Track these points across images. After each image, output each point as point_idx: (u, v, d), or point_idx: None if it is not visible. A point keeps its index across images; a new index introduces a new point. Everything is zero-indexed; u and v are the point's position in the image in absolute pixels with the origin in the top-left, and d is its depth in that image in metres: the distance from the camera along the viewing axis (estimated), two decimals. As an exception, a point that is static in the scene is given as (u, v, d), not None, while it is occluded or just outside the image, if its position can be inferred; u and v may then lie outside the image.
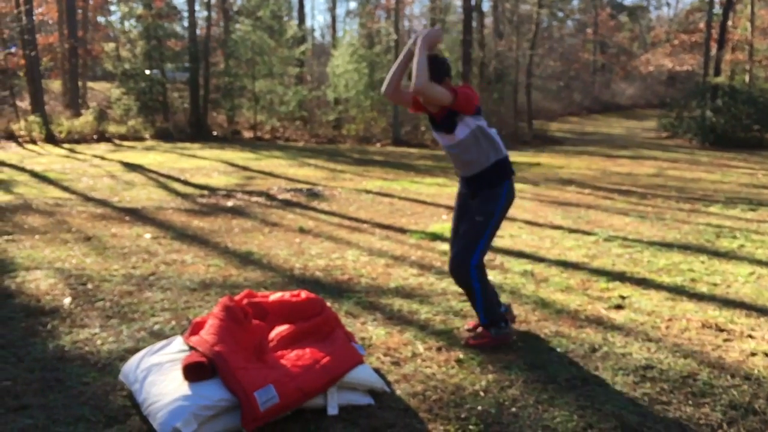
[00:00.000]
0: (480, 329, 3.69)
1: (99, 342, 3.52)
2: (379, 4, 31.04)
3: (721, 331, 3.88)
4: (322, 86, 24.45)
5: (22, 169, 11.41)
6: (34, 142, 17.04)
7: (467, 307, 4.24)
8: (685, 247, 6.10)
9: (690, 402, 2.97)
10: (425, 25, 32.69)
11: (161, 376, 2.76)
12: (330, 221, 7.30)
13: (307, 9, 44.74)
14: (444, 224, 7.08)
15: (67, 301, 4.20)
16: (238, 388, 2.63)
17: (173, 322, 3.85)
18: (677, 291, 4.71)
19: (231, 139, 20.02)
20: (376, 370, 3.20)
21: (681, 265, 5.45)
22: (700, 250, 6.02)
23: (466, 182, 3.70)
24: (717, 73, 22.22)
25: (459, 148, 3.55)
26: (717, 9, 23.49)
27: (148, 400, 2.68)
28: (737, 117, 20.27)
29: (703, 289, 4.78)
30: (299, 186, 10.01)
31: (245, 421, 2.59)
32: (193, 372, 2.69)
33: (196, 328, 3.07)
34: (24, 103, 20.69)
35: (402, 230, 6.80)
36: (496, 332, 3.60)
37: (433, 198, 9.01)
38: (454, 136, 3.52)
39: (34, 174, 10.83)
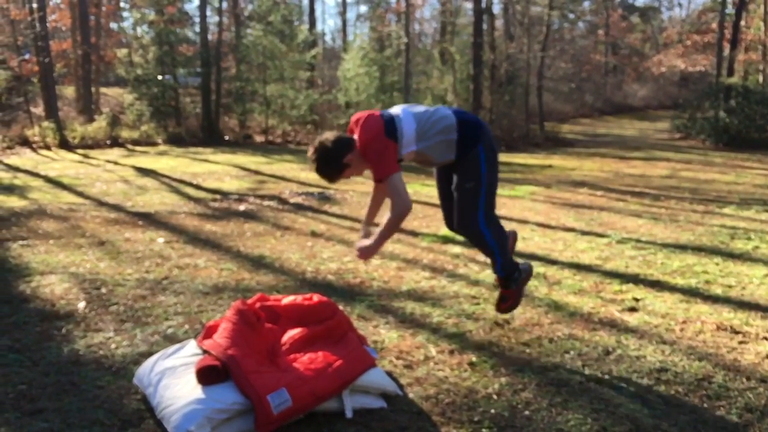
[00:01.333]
0: (500, 291, 3.69)
1: (113, 346, 3.55)
2: (389, 8, 31.11)
3: (737, 333, 3.85)
4: (333, 90, 24.50)
5: (37, 175, 11.51)
6: (48, 147, 17.19)
7: (480, 309, 4.23)
8: (699, 249, 6.05)
9: (705, 405, 2.95)
10: (436, 29, 32.72)
11: (175, 380, 2.78)
12: (342, 224, 7.31)
13: (318, 13, 44.90)
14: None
15: (81, 305, 4.24)
16: (251, 391, 2.63)
17: (186, 326, 3.87)
18: (691, 293, 4.67)
19: (243, 143, 20.11)
20: (389, 374, 3.20)
21: (695, 267, 5.41)
22: (714, 251, 5.98)
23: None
24: (730, 73, 22.04)
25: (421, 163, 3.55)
26: (730, 9, 23.32)
27: (162, 403, 2.69)
28: (751, 117, 20.09)
29: (717, 291, 4.74)
30: (311, 190, 10.03)
31: (259, 425, 2.59)
32: (206, 375, 2.70)
33: (210, 332, 3.09)
34: (38, 110, 20.87)
35: (413, 233, 6.80)
36: (516, 285, 3.60)
37: (444, 201, 8.99)
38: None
39: (48, 179, 10.92)
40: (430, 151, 3.40)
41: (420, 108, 3.45)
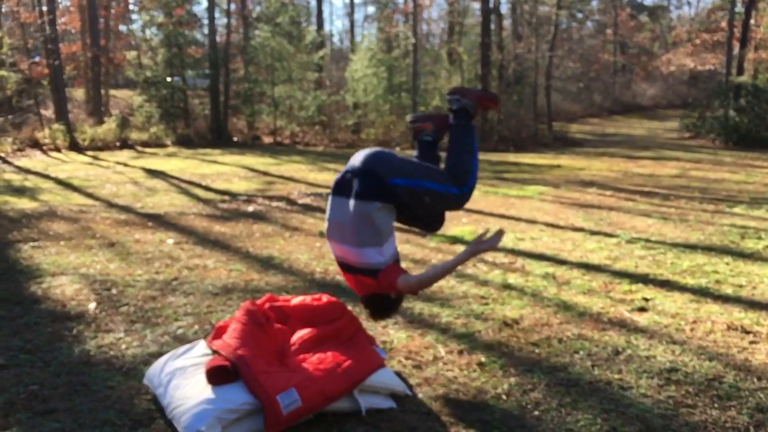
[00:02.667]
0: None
1: (123, 346, 3.56)
2: (397, 9, 31.07)
3: (747, 333, 3.83)
4: (340, 91, 24.53)
5: (47, 177, 11.58)
6: (58, 149, 17.29)
7: (488, 310, 4.23)
8: (709, 249, 6.02)
9: (716, 405, 2.93)
10: (443, 29, 32.71)
11: (185, 380, 2.79)
12: (350, 225, 7.31)
13: (326, 14, 44.93)
14: (464, 227, 7.07)
15: (92, 306, 4.26)
16: (260, 391, 2.64)
17: (196, 327, 3.89)
18: (702, 293, 4.65)
19: (251, 144, 20.16)
20: (398, 374, 3.20)
21: (705, 266, 5.38)
22: (724, 251, 5.95)
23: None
24: (740, 72, 21.91)
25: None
26: (739, 7, 23.18)
27: (172, 403, 2.70)
28: (761, 116, 19.96)
29: (728, 290, 4.72)
30: (319, 190, 10.04)
31: (268, 425, 2.60)
32: (216, 375, 2.71)
33: (219, 332, 3.10)
34: (48, 112, 21.01)
35: (422, 233, 6.79)
36: None
37: (453, 201, 8.99)
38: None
39: (58, 181, 10.98)
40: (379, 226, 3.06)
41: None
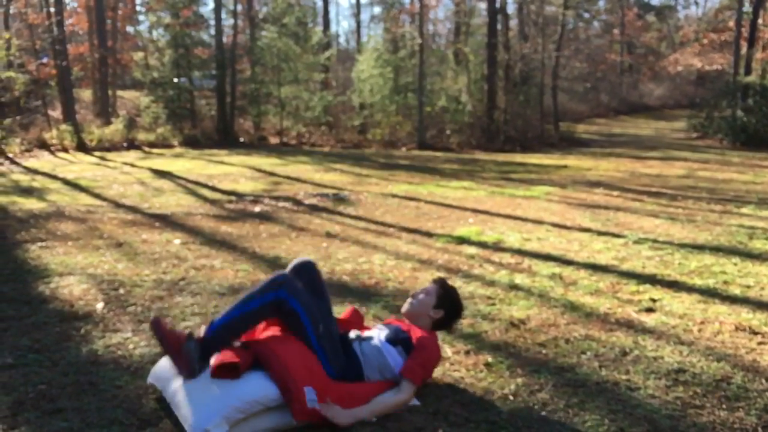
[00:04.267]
0: None
1: (131, 346, 3.58)
2: (403, 9, 31.11)
3: (755, 334, 3.81)
4: (347, 91, 24.54)
5: (55, 177, 11.64)
6: (65, 150, 17.36)
7: (495, 310, 4.23)
8: (717, 249, 6.00)
9: (724, 406, 2.92)
10: (450, 29, 32.68)
11: (192, 379, 2.80)
12: (356, 225, 7.32)
13: (332, 15, 44.91)
14: (470, 227, 7.06)
15: (99, 306, 4.28)
16: (289, 378, 2.66)
17: (203, 326, 3.89)
18: (709, 293, 4.63)
19: (257, 145, 20.19)
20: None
21: (713, 267, 5.36)
22: (732, 251, 5.92)
23: None
24: (747, 72, 21.80)
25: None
26: (747, 7, 23.07)
27: (180, 403, 2.71)
28: (769, 116, 19.89)
29: (736, 291, 4.70)
30: (325, 191, 10.05)
31: (296, 412, 2.62)
32: (223, 372, 2.72)
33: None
34: (56, 113, 21.11)
35: (428, 234, 6.80)
36: None
37: (459, 201, 9.00)
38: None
39: (66, 182, 11.04)
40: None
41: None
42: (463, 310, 3.41)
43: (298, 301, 2.95)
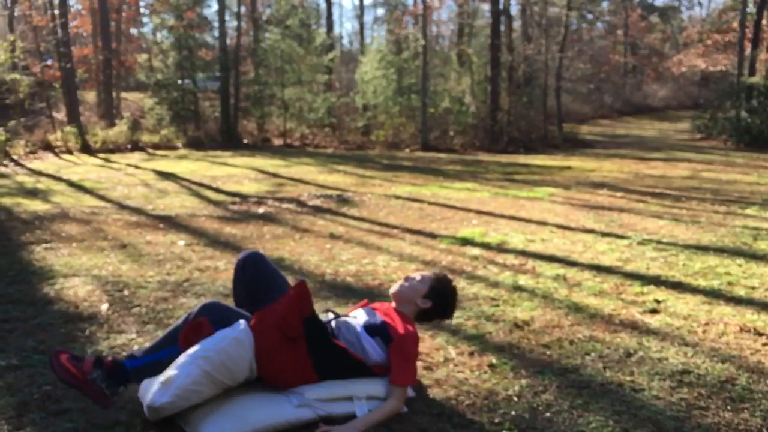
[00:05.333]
0: None
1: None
2: (406, 11, 31.10)
3: (760, 335, 3.81)
4: (350, 93, 24.56)
5: (59, 179, 11.67)
6: (70, 152, 17.41)
7: (499, 311, 4.22)
8: (721, 250, 5.99)
9: (728, 407, 2.92)
10: (453, 31, 32.66)
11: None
12: (360, 227, 7.32)
13: (335, 16, 45.06)
14: (474, 229, 7.06)
15: (104, 307, 4.29)
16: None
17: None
18: (714, 295, 4.63)
19: (261, 146, 20.22)
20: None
21: (717, 268, 5.35)
22: (737, 252, 5.91)
23: None
24: (752, 72, 21.77)
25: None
26: (751, 8, 23.04)
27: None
28: (773, 117, 19.84)
29: (740, 292, 4.69)
30: (329, 192, 10.06)
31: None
32: (189, 335, 2.74)
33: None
34: (60, 114, 21.16)
35: (432, 235, 6.80)
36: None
37: (462, 203, 8.99)
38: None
39: (70, 183, 11.06)
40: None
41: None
42: (453, 310, 3.30)
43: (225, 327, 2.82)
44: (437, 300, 3.20)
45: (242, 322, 2.79)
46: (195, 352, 2.67)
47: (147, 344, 2.85)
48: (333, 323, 3.09)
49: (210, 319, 2.83)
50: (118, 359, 2.80)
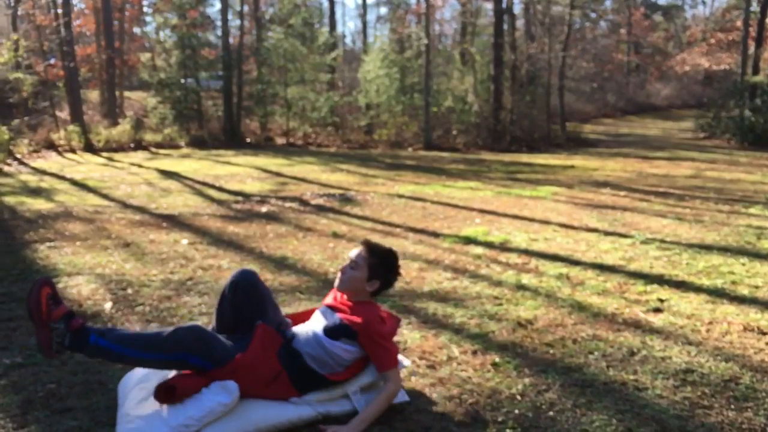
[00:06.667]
0: None
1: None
2: (409, 9, 31.14)
3: (764, 334, 3.80)
4: (353, 92, 24.56)
5: (63, 178, 11.69)
6: (73, 151, 17.45)
7: (502, 310, 4.22)
8: (724, 249, 5.98)
9: (732, 406, 2.91)
10: (456, 29, 32.65)
11: (139, 393, 2.80)
12: (363, 226, 7.33)
13: (338, 15, 45.08)
14: (477, 228, 7.06)
15: (108, 305, 4.30)
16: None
17: (211, 326, 3.90)
18: (717, 294, 4.62)
19: (264, 145, 20.23)
20: (412, 374, 3.20)
21: (721, 267, 5.34)
22: (740, 251, 5.90)
23: None
24: (755, 71, 21.72)
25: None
26: (754, 6, 22.99)
27: (124, 413, 2.69)
28: (777, 116, 19.81)
29: (744, 291, 4.68)
30: (332, 191, 10.07)
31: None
32: (161, 394, 2.66)
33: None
34: (63, 113, 21.20)
35: (435, 234, 6.80)
36: None
37: (465, 202, 8.99)
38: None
39: (74, 182, 11.08)
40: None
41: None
42: (399, 270, 3.11)
43: (200, 357, 2.76)
44: (382, 276, 3.04)
45: (233, 387, 2.69)
46: (177, 422, 2.58)
47: (121, 329, 2.74)
48: (293, 333, 3.03)
49: (190, 347, 2.73)
50: (87, 327, 2.69)
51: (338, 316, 2.98)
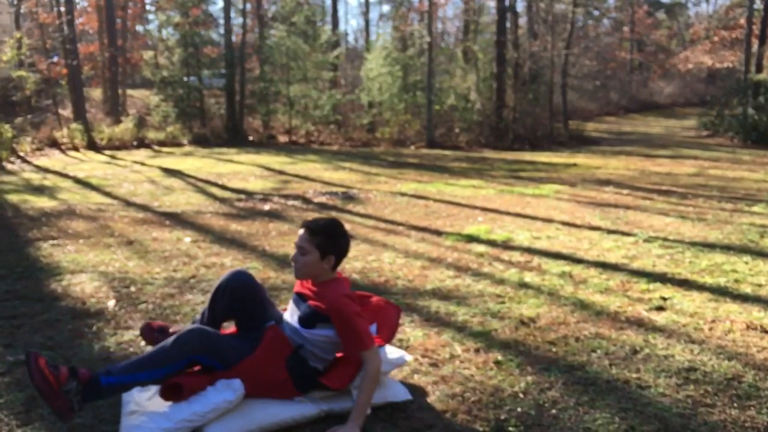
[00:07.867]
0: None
1: (142, 343, 3.60)
2: (412, 7, 31.11)
3: (767, 332, 3.80)
4: (355, 90, 24.54)
5: (66, 176, 11.71)
6: (76, 149, 17.47)
7: (505, 308, 4.22)
8: (727, 248, 5.97)
9: (735, 405, 2.91)
10: (458, 27, 32.63)
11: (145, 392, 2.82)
12: (366, 224, 7.33)
13: (341, 13, 45.06)
14: (480, 226, 7.06)
15: (111, 303, 4.31)
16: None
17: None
18: (720, 292, 4.62)
19: (266, 143, 20.24)
20: (415, 372, 3.20)
21: (724, 265, 5.34)
22: (743, 250, 5.89)
23: None
24: (759, 69, 21.67)
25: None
26: (758, 4, 22.92)
27: (130, 407, 2.71)
28: (780, 114, 19.75)
29: (747, 290, 4.68)
30: (334, 189, 10.07)
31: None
32: (167, 393, 2.69)
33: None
34: (66, 111, 21.23)
35: (438, 232, 6.80)
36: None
37: (468, 200, 8.99)
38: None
39: (77, 180, 11.10)
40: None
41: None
42: (347, 236, 3.05)
43: (209, 356, 2.78)
44: (333, 249, 2.97)
45: (237, 384, 2.73)
46: (181, 417, 2.61)
47: (125, 362, 2.74)
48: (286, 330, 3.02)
49: (197, 348, 2.75)
50: (94, 373, 2.66)
51: (308, 303, 2.95)
